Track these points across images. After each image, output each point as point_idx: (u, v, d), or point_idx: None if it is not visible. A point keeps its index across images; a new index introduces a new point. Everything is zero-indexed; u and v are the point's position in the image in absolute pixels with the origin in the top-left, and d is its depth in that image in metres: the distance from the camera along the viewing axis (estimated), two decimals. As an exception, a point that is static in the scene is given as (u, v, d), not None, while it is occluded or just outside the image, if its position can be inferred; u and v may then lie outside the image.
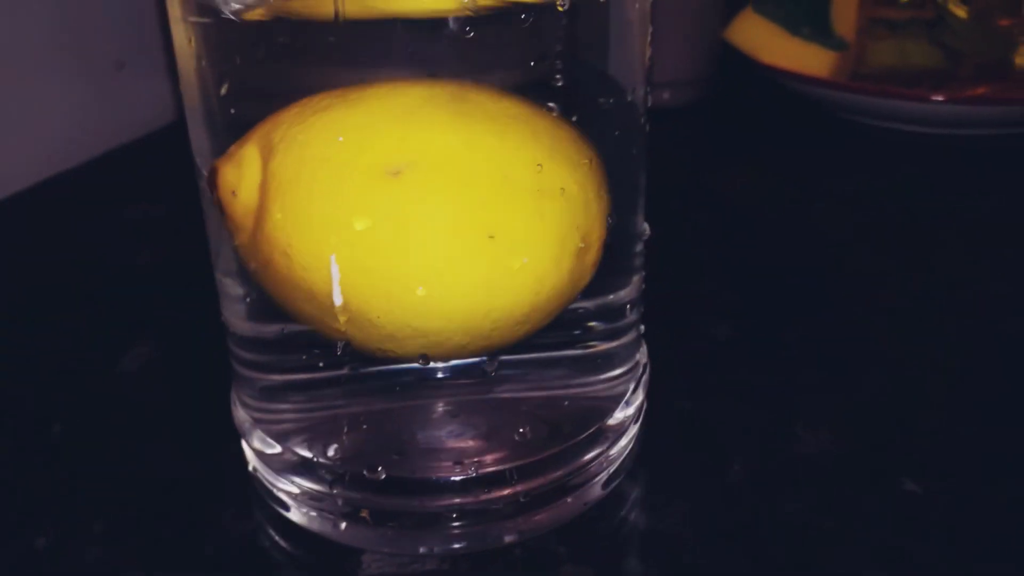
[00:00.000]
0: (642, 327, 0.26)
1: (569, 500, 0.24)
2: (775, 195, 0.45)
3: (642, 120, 0.24)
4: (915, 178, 0.46)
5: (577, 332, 0.24)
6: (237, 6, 0.20)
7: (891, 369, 0.30)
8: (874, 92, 0.49)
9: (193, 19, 0.21)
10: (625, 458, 0.25)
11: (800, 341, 0.32)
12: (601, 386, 0.25)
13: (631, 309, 0.25)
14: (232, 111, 0.22)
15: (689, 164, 0.48)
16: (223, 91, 0.22)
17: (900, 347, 0.31)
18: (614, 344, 0.25)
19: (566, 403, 0.25)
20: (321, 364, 0.23)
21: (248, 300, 0.24)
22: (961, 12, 0.53)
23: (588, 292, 0.24)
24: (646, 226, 0.25)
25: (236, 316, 0.25)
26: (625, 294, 0.25)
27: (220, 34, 0.21)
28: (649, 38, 0.23)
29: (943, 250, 0.39)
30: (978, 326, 0.32)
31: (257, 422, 0.25)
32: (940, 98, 0.48)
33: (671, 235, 0.29)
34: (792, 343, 0.32)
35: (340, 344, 0.22)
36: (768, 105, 0.56)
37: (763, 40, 0.54)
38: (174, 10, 0.22)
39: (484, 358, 0.23)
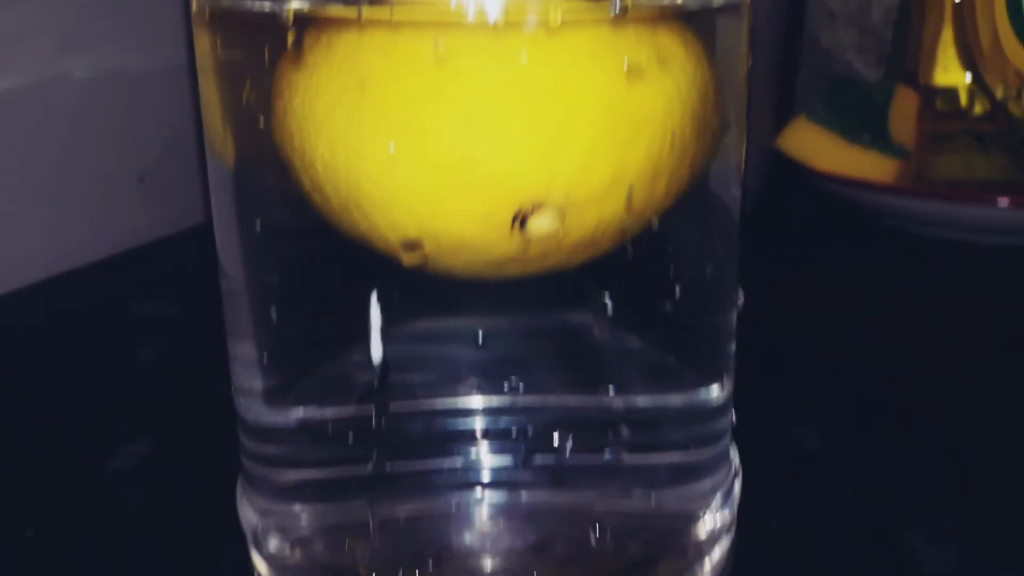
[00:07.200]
0: (734, 419, 0.23)
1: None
2: (833, 307, 0.42)
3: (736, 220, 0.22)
4: (985, 289, 0.44)
5: (653, 434, 0.21)
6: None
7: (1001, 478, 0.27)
8: (945, 197, 0.47)
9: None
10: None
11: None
12: (682, 497, 0.21)
13: (721, 411, 0.22)
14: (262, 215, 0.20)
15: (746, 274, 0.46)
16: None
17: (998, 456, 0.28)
18: (700, 451, 0.22)
19: (637, 515, 0.21)
20: (346, 457, 0.20)
21: (265, 369, 0.21)
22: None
23: (675, 387, 0.21)
24: (740, 294, 0.22)
25: (252, 399, 0.22)
26: (716, 394, 0.22)
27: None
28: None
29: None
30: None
31: (269, 526, 0.21)
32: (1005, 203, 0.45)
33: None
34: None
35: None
36: (822, 215, 0.54)
37: (817, 148, 0.53)
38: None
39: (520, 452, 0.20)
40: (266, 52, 0.18)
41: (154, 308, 0.42)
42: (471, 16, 0.16)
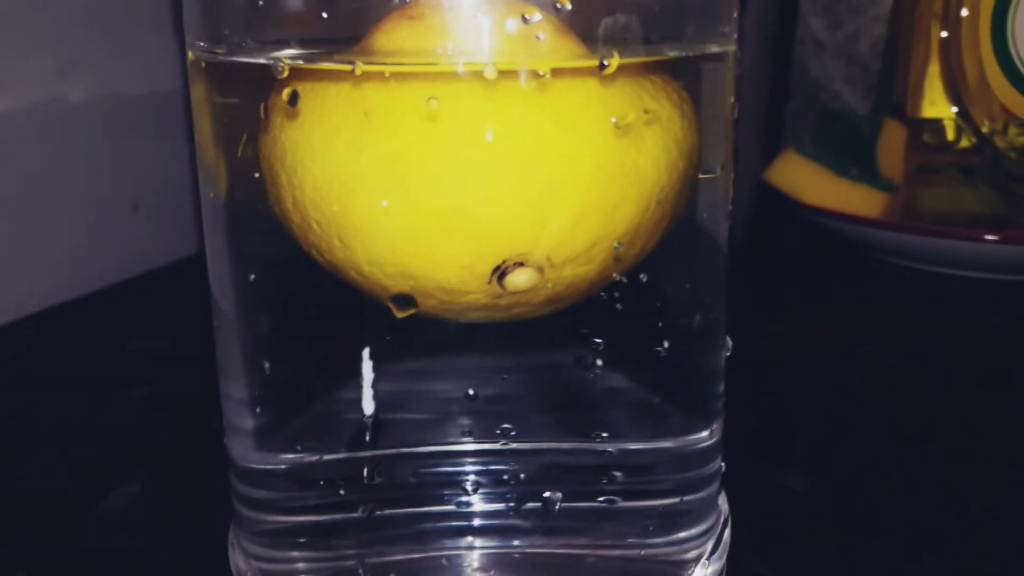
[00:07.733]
0: (722, 464, 0.22)
1: None
2: (820, 339, 0.42)
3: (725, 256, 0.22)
4: (974, 326, 0.43)
5: (644, 479, 0.21)
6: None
7: (982, 526, 0.26)
8: (932, 232, 0.46)
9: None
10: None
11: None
12: (674, 543, 0.21)
13: (711, 456, 0.22)
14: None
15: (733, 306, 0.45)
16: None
17: (990, 494, 0.28)
18: (690, 496, 0.21)
19: (628, 563, 0.21)
20: (338, 503, 0.20)
21: (256, 409, 0.21)
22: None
23: (665, 432, 0.21)
24: (728, 340, 0.22)
25: (242, 440, 0.21)
26: (706, 438, 0.22)
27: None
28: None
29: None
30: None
31: (258, 572, 0.21)
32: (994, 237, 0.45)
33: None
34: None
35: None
36: (810, 249, 0.54)
37: (806, 181, 0.52)
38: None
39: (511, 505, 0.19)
40: (261, 104, 0.18)
41: (149, 340, 0.41)
42: (461, 69, 0.16)
